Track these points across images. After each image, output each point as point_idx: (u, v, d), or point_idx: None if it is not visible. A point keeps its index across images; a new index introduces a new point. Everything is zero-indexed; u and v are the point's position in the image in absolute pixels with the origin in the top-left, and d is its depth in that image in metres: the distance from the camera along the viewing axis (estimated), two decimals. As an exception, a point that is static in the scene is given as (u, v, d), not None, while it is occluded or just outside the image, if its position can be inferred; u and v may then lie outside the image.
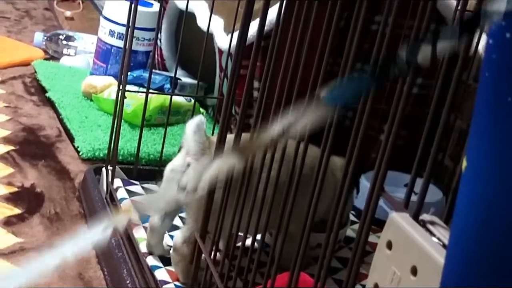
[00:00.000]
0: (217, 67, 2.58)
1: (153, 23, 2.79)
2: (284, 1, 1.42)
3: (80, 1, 3.89)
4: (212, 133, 2.19)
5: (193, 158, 1.67)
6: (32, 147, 2.46)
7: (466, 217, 0.80)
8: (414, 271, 0.96)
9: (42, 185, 2.23)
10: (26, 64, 3.12)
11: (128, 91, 2.17)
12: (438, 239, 0.96)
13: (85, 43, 3.25)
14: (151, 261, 1.84)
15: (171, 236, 1.94)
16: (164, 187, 1.44)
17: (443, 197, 2.15)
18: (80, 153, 2.43)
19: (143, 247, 1.87)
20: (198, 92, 2.39)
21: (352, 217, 2.13)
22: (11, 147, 2.42)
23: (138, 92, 2.46)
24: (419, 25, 1.05)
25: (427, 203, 1.03)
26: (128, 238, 1.91)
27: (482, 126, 0.80)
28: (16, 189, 2.18)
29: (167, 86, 2.66)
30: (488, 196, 0.77)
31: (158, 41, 2.95)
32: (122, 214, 1.16)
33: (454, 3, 2.05)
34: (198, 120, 1.70)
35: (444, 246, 0.94)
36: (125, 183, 2.13)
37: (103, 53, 2.91)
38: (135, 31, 2.10)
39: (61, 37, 3.26)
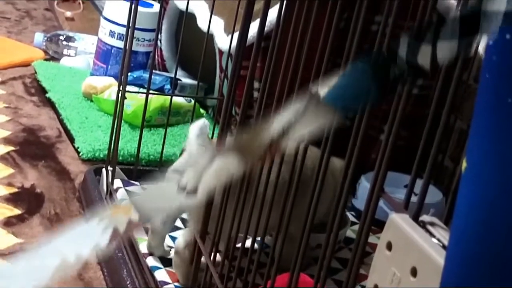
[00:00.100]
0: (217, 67, 2.58)
1: (153, 24, 2.79)
2: (284, 2, 1.43)
3: (81, 2, 3.89)
4: (212, 134, 2.19)
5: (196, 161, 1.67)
6: (32, 147, 2.46)
7: (466, 218, 0.80)
8: (414, 272, 0.96)
9: (42, 185, 2.23)
10: (26, 64, 3.12)
11: (128, 91, 2.17)
12: (438, 240, 0.96)
13: (86, 43, 3.25)
14: (151, 261, 1.84)
15: (172, 237, 1.95)
16: (163, 187, 1.44)
17: (443, 198, 2.15)
18: (80, 154, 2.43)
19: (143, 248, 1.87)
20: (198, 92, 2.38)
21: (352, 218, 2.13)
22: (11, 148, 2.42)
23: (138, 92, 2.46)
24: (419, 25, 1.05)
25: (427, 204, 1.03)
26: (128, 239, 1.91)
27: (483, 127, 0.80)
28: (16, 190, 2.18)
29: (167, 86, 2.66)
30: (488, 197, 0.77)
31: (158, 42, 2.95)
32: (122, 214, 1.15)
33: (454, 3, 2.05)
34: (201, 123, 1.70)
35: (444, 247, 0.94)
36: (125, 184, 2.13)
37: (104, 54, 2.91)
38: (135, 31, 2.10)
39: (61, 37, 3.26)
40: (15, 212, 2.07)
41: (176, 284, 1.77)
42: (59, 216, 2.08)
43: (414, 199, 1.03)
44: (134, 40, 2.31)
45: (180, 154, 1.78)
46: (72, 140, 2.51)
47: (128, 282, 1.79)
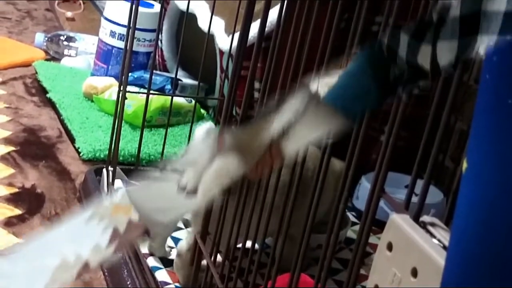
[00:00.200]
0: (218, 68, 2.58)
1: (154, 24, 2.79)
2: (285, 2, 1.43)
3: (81, 2, 3.89)
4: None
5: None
6: (33, 147, 2.46)
7: (466, 218, 0.80)
8: (414, 273, 0.96)
9: (43, 185, 2.23)
10: (27, 64, 3.12)
11: (129, 92, 2.17)
12: (439, 240, 0.96)
13: (86, 44, 3.25)
14: (151, 262, 1.84)
15: (172, 237, 1.95)
16: (163, 186, 1.44)
17: (444, 199, 2.15)
18: (81, 154, 2.43)
19: (143, 248, 1.87)
20: (199, 93, 2.38)
21: (352, 218, 2.13)
22: (12, 148, 2.42)
23: (139, 93, 2.46)
24: (419, 24, 1.05)
25: (427, 204, 1.03)
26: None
27: (483, 128, 0.80)
28: (16, 190, 2.18)
29: (168, 87, 2.66)
30: (489, 197, 0.77)
31: (159, 42, 2.95)
32: (122, 214, 1.15)
33: (455, 3, 2.04)
34: (208, 127, 1.70)
35: (444, 247, 0.94)
36: (126, 184, 2.13)
37: (104, 54, 2.91)
38: (136, 32, 2.10)
39: (62, 37, 3.25)
40: (15, 212, 2.07)
41: (177, 284, 1.77)
42: (60, 216, 2.08)
43: (414, 199, 1.04)
44: (135, 40, 2.31)
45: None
46: (72, 140, 2.52)
47: (128, 283, 1.79)
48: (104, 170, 2.17)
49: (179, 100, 2.64)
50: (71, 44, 3.25)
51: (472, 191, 0.80)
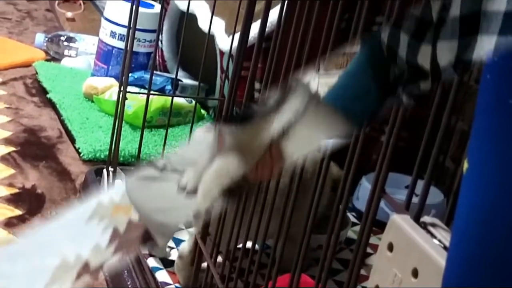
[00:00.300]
0: (218, 68, 2.58)
1: (154, 25, 2.79)
2: (286, 3, 1.43)
3: (81, 2, 3.88)
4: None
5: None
6: (33, 148, 2.46)
7: (467, 218, 0.80)
8: (415, 273, 0.96)
9: (43, 186, 2.23)
10: (27, 65, 3.12)
11: (129, 92, 2.17)
12: (439, 241, 0.96)
13: (86, 44, 3.25)
14: (152, 262, 1.84)
15: (173, 238, 1.95)
16: (163, 186, 1.44)
17: (444, 199, 2.15)
18: (81, 154, 2.43)
19: (143, 248, 1.87)
20: (199, 93, 2.38)
21: (353, 219, 2.13)
22: (12, 148, 2.42)
23: (139, 93, 2.46)
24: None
25: (428, 205, 1.03)
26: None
27: (484, 128, 0.80)
28: (17, 190, 2.18)
29: (168, 87, 2.66)
30: (489, 197, 0.77)
31: (159, 43, 2.95)
32: (122, 214, 1.15)
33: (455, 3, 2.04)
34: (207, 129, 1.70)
35: (445, 248, 0.94)
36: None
37: (104, 54, 2.91)
38: (136, 32, 2.10)
39: (62, 38, 3.25)
40: (16, 212, 2.07)
41: (177, 285, 1.77)
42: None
43: (415, 200, 1.04)
44: (135, 40, 2.31)
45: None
46: (73, 140, 2.51)
47: (129, 283, 1.79)
48: (105, 171, 2.16)
49: (179, 100, 2.64)
50: (71, 44, 3.25)
51: (472, 191, 0.80)
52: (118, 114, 2.10)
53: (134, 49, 2.28)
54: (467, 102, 2.04)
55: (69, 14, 3.79)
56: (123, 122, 2.17)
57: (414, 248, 0.97)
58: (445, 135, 1.01)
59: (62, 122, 2.65)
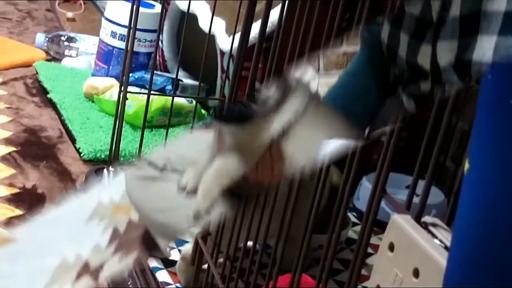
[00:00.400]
0: (219, 68, 2.58)
1: (154, 25, 2.79)
2: (286, 3, 1.42)
3: (82, 2, 3.88)
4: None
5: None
6: (34, 148, 2.46)
7: (468, 218, 0.80)
8: (416, 273, 0.96)
9: (44, 186, 2.23)
10: (28, 65, 3.12)
11: (130, 92, 2.17)
12: (440, 241, 0.96)
13: (87, 44, 3.25)
14: (152, 262, 1.84)
15: (173, 238, 1.94)
16: (163, 187, 1.44)
17: (445, 199, 2.15)
18: (82, 154, 2.43)
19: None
20: (200, 93, 2.38)
21: (353, 219, 2.13)
22: (13, 148, 2.42)
23: (139, 93, 2.46)
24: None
25: (428, 205, 1.03)
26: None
27: (484, 128, 0.80)
28: (17, 190, 2.18)
29: (169, 87, 2.66)
30: (490, 197, 0.77)
31: (160, 43, 2.95)
32: (122, 214, 1.15)
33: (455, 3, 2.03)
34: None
35: (446, 248, 0.94)
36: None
37: (105, 54, 2.90)
38: (137, 32, 2.09)
39: (62, 38, 3.25)
40: (16, 212, 2.07)
41: (178, 285, 1.77)
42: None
43: (416, 200, 1.03)
44: (136, 40, 2.31)
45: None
46: (73, 140, 2.51)
47: (129, 283, 1.79)
48: (105, 171, 2.16)
49: (180, 100, 2.64)
50: (71, 44, 3.25)
51: (473, 191, 0.80)
52: (119, 114, 2.10)
53: (135, 49, 2.28)
54: (467, 102, 2.04)
55: (70, 14, 3.79)
56: (124, 122, 2.17)
57: (415, 248, 0.96)
58: (446, 135, 1.01)
59: (62, 122, 2.65)
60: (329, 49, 1.24)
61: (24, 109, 2.74)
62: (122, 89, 2.11)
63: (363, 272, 1.19)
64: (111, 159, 2.14)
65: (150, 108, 2.32)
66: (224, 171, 1.25)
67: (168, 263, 1.84)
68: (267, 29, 1.51)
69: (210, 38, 2.17)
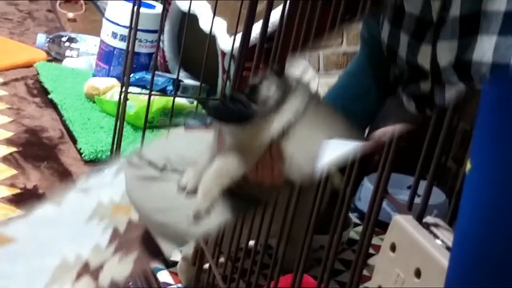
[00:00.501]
0: (220, 69, 2.58)
1: (155, 25, 2.79)
2: (287, 3, 1.42)
3: (83, 3, 3.88)
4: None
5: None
6: (35, 148, 2.46)
7: (469, 219, 0.80)
8: (417, 273, 0.96)
9: (45, 186, 2.23)
10: (29, 65, 3.12)
11: (131, 92, 2.16)
12: (442, 241, 0.96)
13: (88, 45, 3.24)
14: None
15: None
16: (163, 187, 1.44)
17: (446, 200, 2.15)
18: (83, 155, 2.43)
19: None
20: (201, 94, 2.38)
21: (355, 219, 2.13)
22: (14, 149, 2.42)
23: (140, 93, 2.46)
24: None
25: (430, 205, 1.03)
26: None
27: (486, 129, 0.80)
28: (18, 191, 2.18)
29: (170, 87, 2.66)
30: (492, 198, 0.77)
31: (161, 43, 2.94)
32: (122, 214, 1.15)
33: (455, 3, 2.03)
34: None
35: (447, 248, 0.93)
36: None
37: (106, 55, 2.90)
38: (138, 32, 2.09)
39: (63, 38, 3.25)
40: (17, 213, 2.06)
41: (179, 285, 1.77)
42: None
43: (417, 200, 1.03)
44: (137, 41, 2.30)
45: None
46: (74, 141, 2.51)
47: (130, 283, 1.79)
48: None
49: (181, 101, 2.63)
50: (72, 45, 3.25)
51: (475, 192, 0.80)
52: (120, 114, 2.10)
53: (136, 49, 2.28)
54: (469, 103, 2.03)
55: (71, 15, 3.79)
56: (125, 122, 2.17)
57: (417, 248, 0.96)
58: (447, 135, 1.01)
59: (63, 123, 2.65)
60: (323, 44, 1.24)
61: (25, 109, 2.74)
62: (123, 89, 2.10)
63: (365, 272, 1.19)
64: (112, 159, 2.14)
65: (151, 109, 2.32)
66: (224, 171, 1.25)
67: (169, 264, 1.84)
68: (268, 30, 1.50)
69: (211, 39, 2.17)
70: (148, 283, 1.77)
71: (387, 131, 1.14)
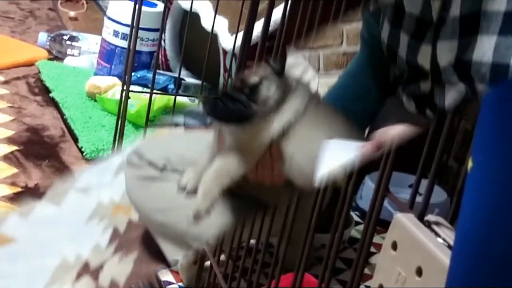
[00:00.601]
0: (221, 67, 2.58)
1: (157, 24, 2.78)
2: (289, 2, 1.42)
3: (84, 1, 3.88)
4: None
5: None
6: (36, 147, 2.46)
7: (471, 218, 0.80)
8: (419, 272, 0.96)
9: (46, 185, 2.23)
10: (30, 64, 3.12)
11: (132, 91, 2.16)
12: (443, 239, 0.96)
13: (89, 43, 3.25)
14: (154, 262, 1.84)
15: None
16: (163, 187, 1.44)
17: (448, 198, 2.15)
18: (84, 153, 2.43)
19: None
20: (202, 92, 2.38)
21: (356, 218, 2.13)
22: (15, 147, 2.42)
23: (142, 92, 2.45)
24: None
25: (431, 204, 1.02)
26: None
27: (488, 128, 0.80)
28: (19, 189, 2.18)
29: (171, 86, 2.66)
30: (493, 197, 0.77)
31: (162, 42, 2.95)
32: (122, 214, 1.15)
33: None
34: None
35: (449, 246, 0.93)
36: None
37: (107, 54, 2.90)
38: (139, 31, 2.09)
39: (65, 37, 3.25)
40: (16, 210, 2.06)
41: (180, 284, 1.76)
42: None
43: (419, 199, 1.03)
44: (138, 39, 2.31)
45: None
46: (75, 139, 2.51)
47: (132, 282, 1.79)
48: (107, 170, 2.16)
49: (182, 99, 2.63)
50: (74, 43, 3.25)
51: (477, 190, 0.79)
52: (121, 113, 2.10)
53: (137, 48, 2.28)
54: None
55: (72, 13, 3.79)
56: (126, 121, 2.17)
57: (418, 247, 0.96)
58: (449, 134, 1.01)
59: (65, 121, 2.65)
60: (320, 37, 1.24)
61: (26, 108, 2.74)
62: (125, 88, 2.10)
63: (366, 271, 1.19)
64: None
65: (153, 107, 2.32)
66: (224, 171, 1.25)
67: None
68: (270, 28, 1.50)
69: (213, 37, 2.17)
70: (149, 282, 1.77)
71: (395, 133, 1.14)
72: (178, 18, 2.94)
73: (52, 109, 2.76)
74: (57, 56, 3.23)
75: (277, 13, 1.45)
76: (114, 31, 2.86)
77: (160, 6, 2.82)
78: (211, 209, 1.26)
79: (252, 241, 1.53)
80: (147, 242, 1.85)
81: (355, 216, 2.13)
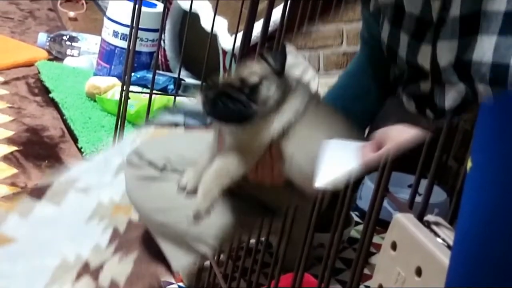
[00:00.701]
0: (221, 67, 2.58)
1: (156, 24, 2.78)
2: (288, 2, 1.42)
3: (84, 2, 3.88)
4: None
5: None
6: (36, 147, 2.46)
7: (470, 218, 0.80)
8: (418, 272, 0.96)
9: (46, 185, 2.23)
10: (30, 64, 3.12)
11: (132, 91, 2.16)
12: (443, 239, 0.96)
13: (89, 43, 3.24)
14: (154, 262, 1.84)
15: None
16: (163, 187, 1.44)
17: (447, 198, 2.15)
18: (84, 154, 2.43)
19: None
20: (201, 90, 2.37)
21: (356, 218, 2.13)
22: (15, 148, 2.42)
23: (141, 92, 2.46)
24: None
25: (431, 204, 1.02)
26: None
27: (487, 128, 0.80)
28: (19, 190, 2.18)
29: (171, 86, 2.66)
30: (493, 197, 0.77)
31: (162, 42, 2.94)
32: (122, 214, 1.15)
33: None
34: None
35: (448, 246, 0.93)
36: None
37: (107, 54, 2.90)
38: (139, 31, 2.09)
39: (64, 37, 3.25)
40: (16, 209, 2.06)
41: (180, 284, 1.76)
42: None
43: (418, 199, 1.03)
44: (138, 40, 2.31)
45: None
46: (75, 140, 2.51)
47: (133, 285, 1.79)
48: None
49: (182, 100, 2.63)
50: (73, 44, 3.25)
51: (476, 191, 0.79)
52: (121, 113, 2.10)
53: (137, 48, 2.28)
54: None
55: (72, 14, 3.79)
56: (126, 121, 2.17)
57: (418, 247, 0.96)
58: (448, 134, 1.01)
59: (64, 122, 2.65)
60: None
61: (26, 108, 2.74)
62: (124, 88, 2.10)
63: (366, 271, 1.19)
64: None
65: (152, 108, 2.32)
66: (224, 171, 1.25)
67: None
68: (269, 29, 1.50)
69: (212, 38, 2.17)
70: (152, 284, 1.77)
71: (403, 139, 1.14)
72: (178, 19, 2.94)
73: (51, 109, 2.76)
74: (56, 57, 3.23)
75: (277, 13, 1.45)
76: (114, 31, 2.86)
77: (160, 7, 2.82)
78: (211, 209, 1.26)
79: (252, 241, 1.53)
80: (147, 242, 1.85)
81: (354, 216, 2.13)
